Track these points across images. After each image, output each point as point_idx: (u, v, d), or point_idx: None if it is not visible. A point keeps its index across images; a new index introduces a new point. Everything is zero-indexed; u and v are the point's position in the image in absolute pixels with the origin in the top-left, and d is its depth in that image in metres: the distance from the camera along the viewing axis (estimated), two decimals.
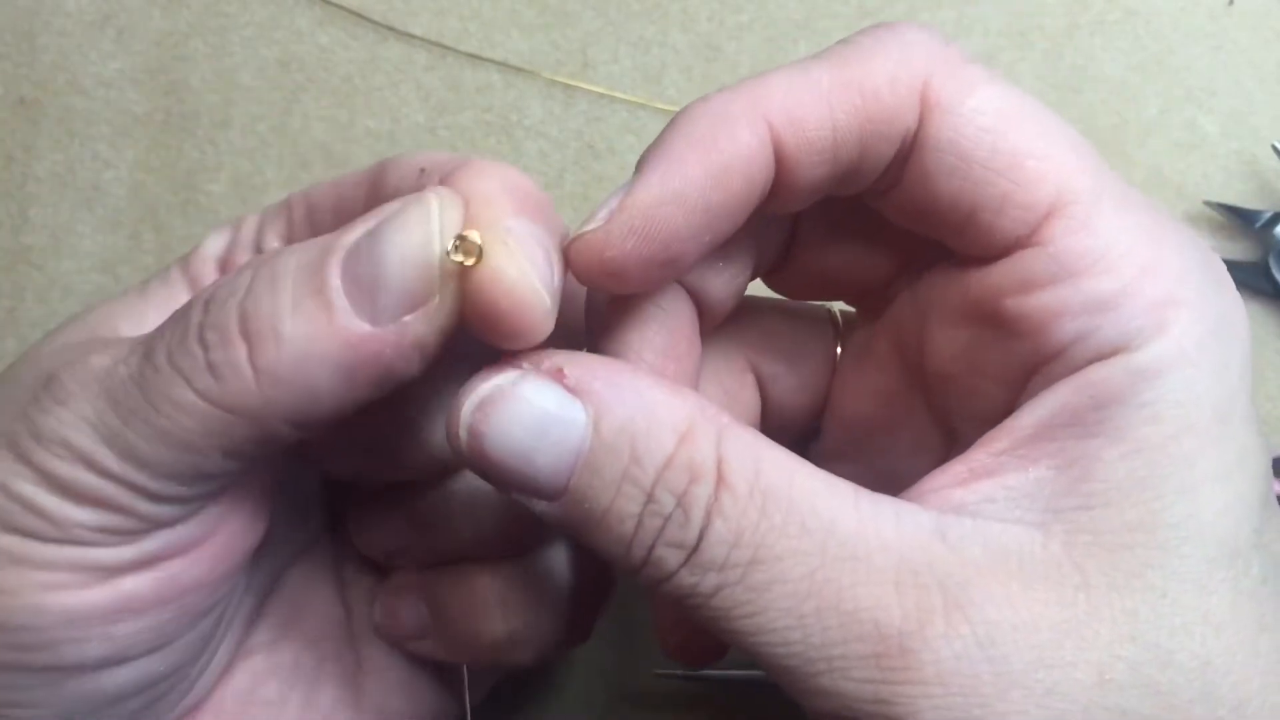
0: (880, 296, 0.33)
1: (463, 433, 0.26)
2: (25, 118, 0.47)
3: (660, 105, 0.46)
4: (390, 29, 0.47)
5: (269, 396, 0.26)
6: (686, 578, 0.26)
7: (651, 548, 0.26)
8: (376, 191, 0.31)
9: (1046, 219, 0.27)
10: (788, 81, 0.28)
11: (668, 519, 0.25)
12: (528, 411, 0.26)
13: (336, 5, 0.47)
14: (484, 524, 0.33)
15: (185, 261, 0.35)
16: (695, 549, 0.25)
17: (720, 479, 0.26)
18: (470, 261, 0.26)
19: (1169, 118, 0.46)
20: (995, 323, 0.28)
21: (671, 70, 0.47)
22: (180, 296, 0.33)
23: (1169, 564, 0.25)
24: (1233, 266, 0.44)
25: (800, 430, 0.35)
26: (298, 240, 0.32)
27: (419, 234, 0.26)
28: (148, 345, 0.27)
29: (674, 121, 0.28)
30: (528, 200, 0.28)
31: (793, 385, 0.34)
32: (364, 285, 0.26)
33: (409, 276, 0.26)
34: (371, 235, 0.26)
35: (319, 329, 0.26)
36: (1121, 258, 0.27)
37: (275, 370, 0.26)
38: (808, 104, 0.27)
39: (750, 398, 0.33)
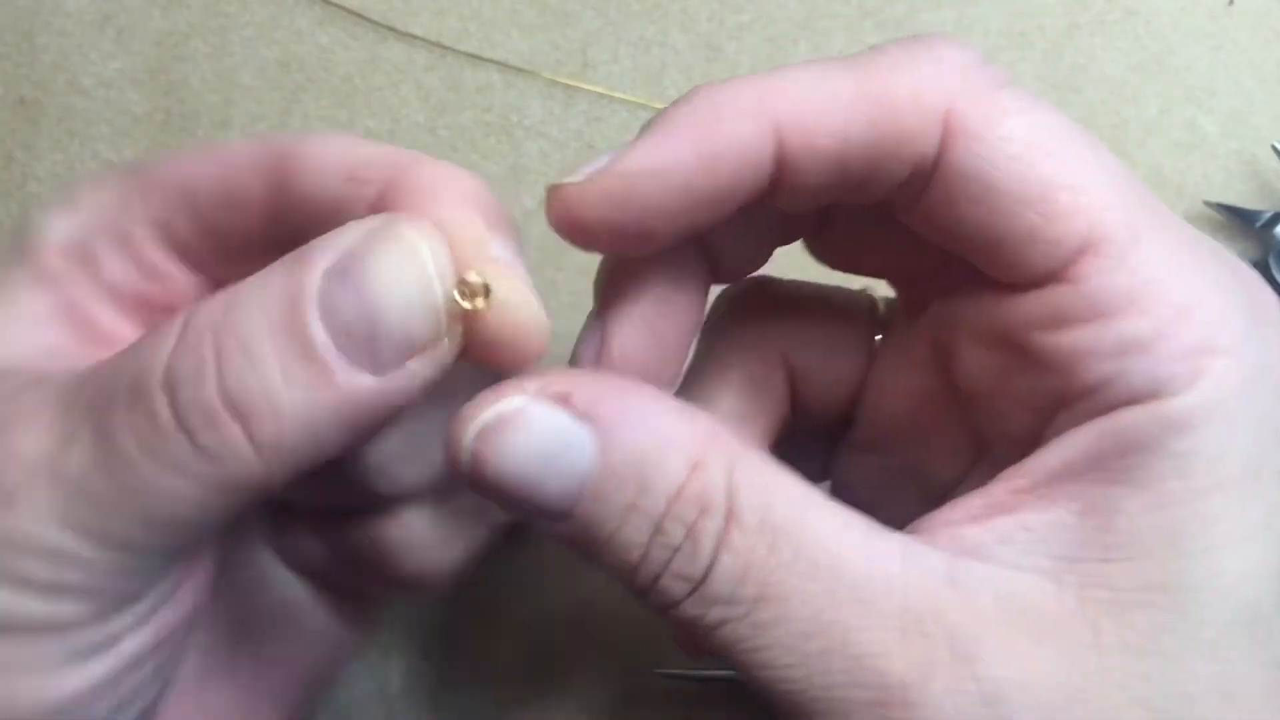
0: (924, 288, 0.31)
1: (465, 457, 0.25)
2: (25, 118, 0.47)
3: (660, 105, 0.46)
4: (390, 29, 0.47)
5: (273, 467, 0.24)
6: (691, 609, 0.25)
7: (657, 577, 0.25)
8: (287, 192, 0.29)
9: (1079, 255, 0.26)
10: (805, 82, 0.26)
11: (676, 550, 0.25)
12: (534, 439, 0.25)
13: (336, 5, 0.47)
14: (428, 550, 0.32)
15: (23, 253, 0.30)
16: (702, 582, 0.25)
17: (730, 512, 0.25)
18: (480, 304, 0.26)
19: (1169, 118, 0.46)
20: (1024, 353, 0.27)
21: (672, 70, 0.47)
22: (34, 301, 0.30)
23: (1185, 628, 0.24)
24: None
25: (832, 421, 0.34)
26: (183, 236, 0.30)
27: (414, 277, 0.25)
28: (98, 428, 0.25)
29: (681, 100, 0.27)
30: (493, 213, 0.27)
31: (826, 378, 0.33)
32: (358, 337, 0.24)
33: (412, 324, 0.25)
34: (349, 277, 0.25)
35: (319, 394, 0.24)
36: (1158, 299, 0.25)
37: (279, 443, 0.24)
38: (820, 110, 0.26)
39: (779, 388, 0.33)
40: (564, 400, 0.25)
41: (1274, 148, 0.45)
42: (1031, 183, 0.26)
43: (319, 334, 0.24)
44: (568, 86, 0.46)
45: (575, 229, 0.27)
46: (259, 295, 0.25)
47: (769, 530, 0.25)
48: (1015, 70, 0.46)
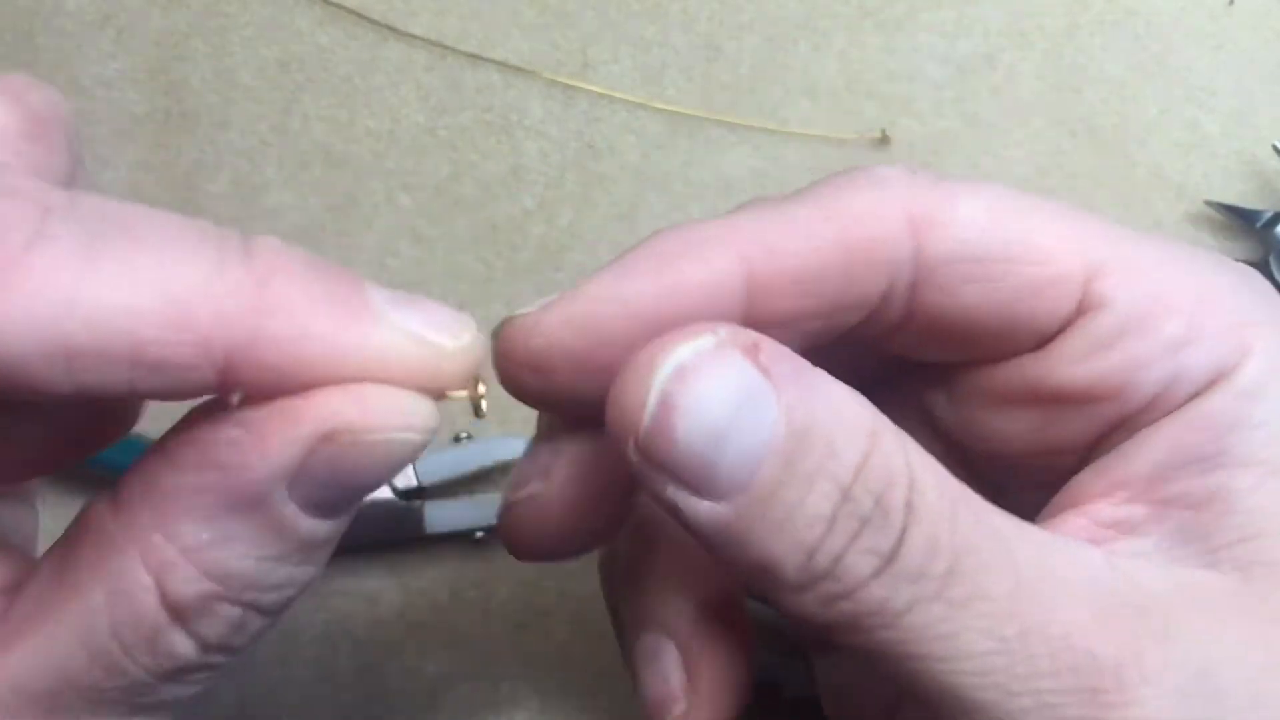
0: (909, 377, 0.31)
1: (652, 401, 0.23)
2: None
3: (660, 105, 0.46)
4: (390, 29, 0.47)
5: None
6: (878, 590, 0.23)
7: (841, 555, 0.23)
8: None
9: (1089, 284, 0.26)
10: (763, 214, 0.26)
11: (866, 521, 0.23)
12: (728, 385, 0.23)
13: (336, 5, 0.47)
14: None
15: None
16: (892, 556, 0.23)
17: (913, 482, 0.23)
18: (480, 390, 0.25)
19: (1169, 117, 0.46)
20: (1062, 397, 0.27)
21: (672, 70, 0.46)
22: None
23: None
24: None
25: None
26: None
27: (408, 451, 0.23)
28: None
29: (643, 240, 0.26)
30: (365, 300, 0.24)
31: None
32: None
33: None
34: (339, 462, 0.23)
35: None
36: (1178, 295, 0.26)
37: None
38: (784, 234, 0.26)
39: None
40: (753, 352, 0.23)
41: (1275, 147, 0.45)
42: (1013, 241, 0.26)
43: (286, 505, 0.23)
44: (568, 86, 0.46)
45: (527, 361, 0.25)
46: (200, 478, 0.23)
47: (949, 502, 0.23)
48: (1015, 70, 0.46)
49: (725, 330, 0.23)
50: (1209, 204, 0.45)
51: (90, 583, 0.22)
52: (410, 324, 0.23)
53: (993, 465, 0.29)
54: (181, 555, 0.22)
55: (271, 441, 0.22)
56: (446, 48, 0.47)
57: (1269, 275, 0.44)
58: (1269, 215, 0.44)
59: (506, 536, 0.28)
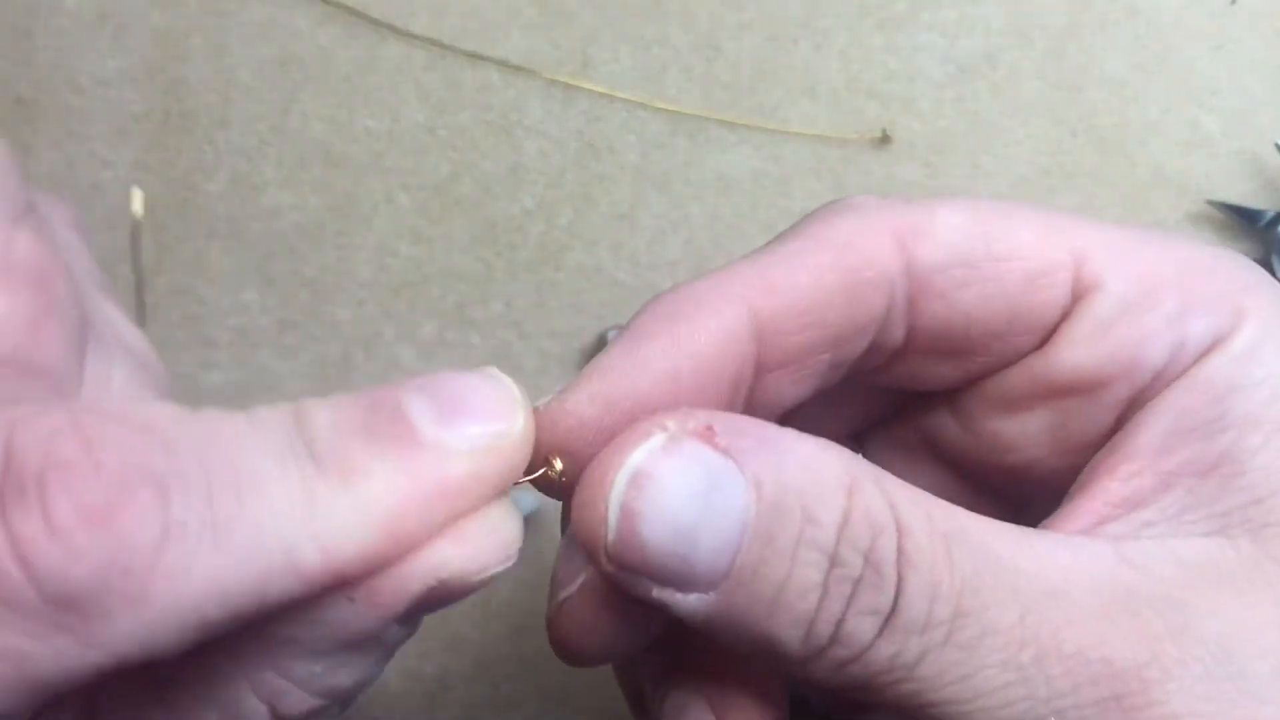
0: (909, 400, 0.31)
1: (612, 515, 0.23)
2: (23, 117, 0.47)
3: (660, 105, 0.46)
4: (389, 28, 0.47)
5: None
6: (885, 648, 0.23)
7: (841, 620, 0.23)
8: None
9: (1080, 271, 0.27)
10: (758, 258, 0.27)
11: (858, 582, 0.22)
12: (688, 481, 0.22)
13: (336, 4, 0.47)
14: None
15: None
16: (893, 611, 0.22)
17: (901, 528, 0.23)
18: (556, 465, 0.25)
19: (1171, 117, 0.46)
20: (1075, 387, 0.27)
21: (672, 69, 0.46)
22: None
23: None
24: None
25: None
26: None
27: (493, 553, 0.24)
28: None
29: (645, 305, 0.27)
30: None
31: None
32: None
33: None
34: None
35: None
36: (1167, 271, 0.27)
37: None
38: (782, 271, 0.26)
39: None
40: (707, 436, 0.23)
41: (1277, 146, 0.45)
42: (998, 239, 0.27)
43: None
44: (567, 86, 0.46)
45: (560, 446, 0.25)
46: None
47: (941, 540, 0.23)
48: (1017, 69, 0.46)
49: (673, 422, 0.23)
50: (1211, 203, 0.45)
51: (201, 709, 0.23)
52: (469, 438, 0.23)
53: (1015, 480, 0.29)
54: (294, 685, 0.23)
55: (385, 603, 0.23)
56: (446, 47, 0.47)
57: (1271, 274, 0.44)
58: (1271, 215, 0.44)
59: (554, 645, 0.28)
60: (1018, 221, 0.27)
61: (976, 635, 0.22)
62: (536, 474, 0.25)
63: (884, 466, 0.31)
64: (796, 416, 0.31)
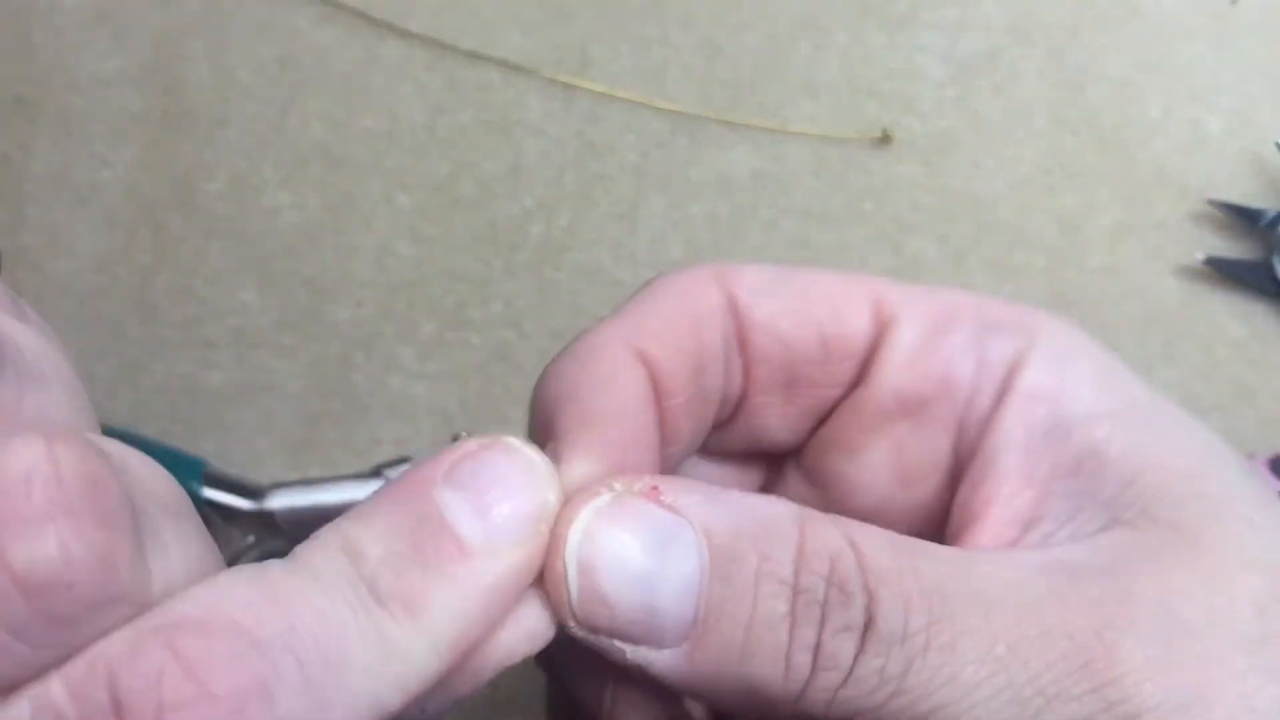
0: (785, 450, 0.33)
1: (571, 574, 0.24)
2: (22, 117, 0.47)
3: (660, 104, 0.46)
4: (389, 27, 0.47)
5: None
6: (870, 664, 0.23)
7: (817, 645, 0.23)
8: None
9: (879, 309, 0.29)
10: (616, 314, 0.29)
11: (825, 604, 0.23)
12: (639, 538, 0.23)
13: (335, 4, 0.47)
14: None
15: None
16: (869, 624, 0.23)
17: (858, 549, 0.24)
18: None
19: (1172, 116, 0.46)
20: (898, 412, 0.29)
21: (672, 69, 0.46)
22: None
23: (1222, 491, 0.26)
24: (1237, 265, 0.44)
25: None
26: None
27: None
28: None
29: (536, 388, 0.29)
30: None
31: None
32: None
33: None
34: None
35: None
36: (959, 306, 0.29)
37: None
38: (640, 315, 0.28)
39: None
40: (652, 494, 0.24)
41: (1278, 146, 0.44)
42: (799, 280, 0.29)
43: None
44: (567, 85, 0.46)
45: None
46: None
47: (903, 555, 0.24)
48: (1018, 69, 0.46)
49: (619, 483, 0.24)
50: (1212, 203, 0.45)
51: None
52: (511, 532, 0.24)
53: (870, 514, 0.30)
54: None
55: (454, 696, 0.25)
56: (446, 46, 0.46)
57: (1270, 274, 0.44)
58: (1272, 214, 0.44)
59: None
60: (814, 271, 0.30)
61: (952, 638, 0.23)
62: None
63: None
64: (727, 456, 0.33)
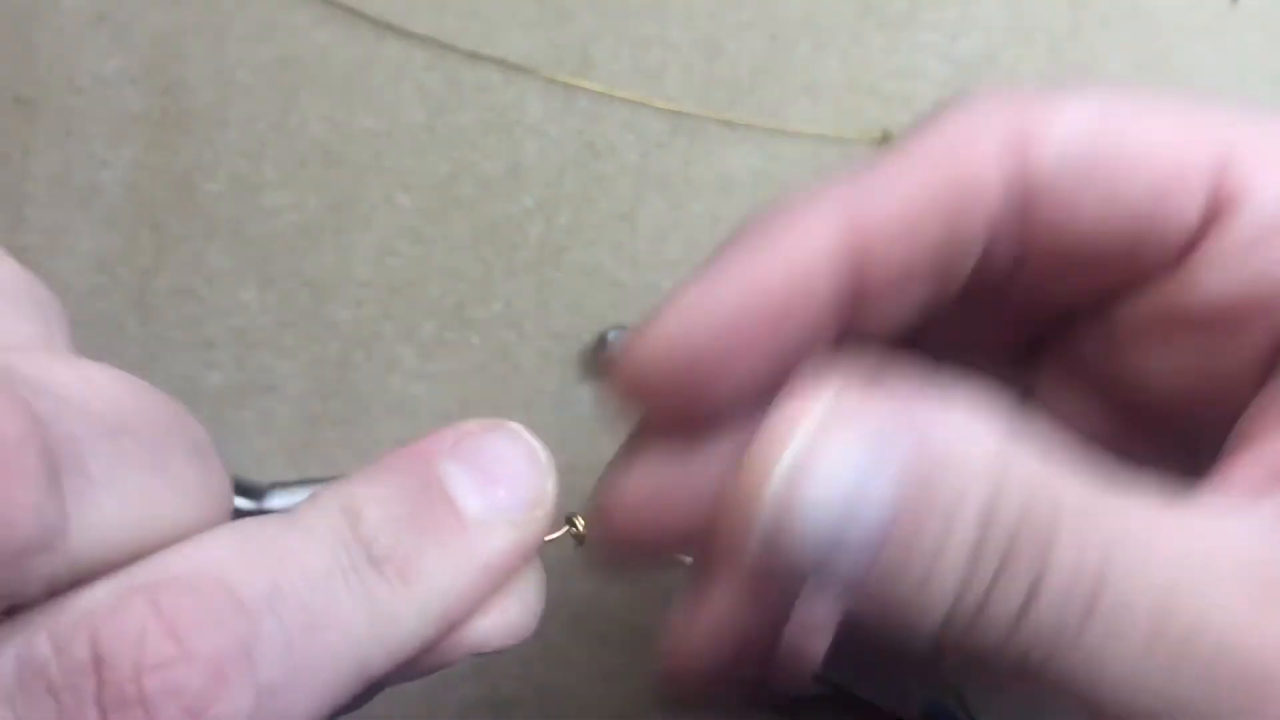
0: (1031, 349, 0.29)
1: (770, 506, 0.21)
2: (21, 117, 0.47)
3: (660, 104, 0.46)
4: (389, 27, 0.47)
5: None
6: (1029, 622, 0.21)
7: (988, 594, 0.21)
8: None
9: (1221, 181, 0.24)
10: (855, 174, 0.25)
11: (1005, 556, 0.21)
12: (848, 461, 0.21)
13: (335, 3, 0.47)
14: None
15: None
16: (1040, 581, 0.21)
17: (1048, 501, 0.22)
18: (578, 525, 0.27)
19: None
20: (1211, 320, 0.25)
21: (673, 69, 0.46)
22: None
23: None
24: None
25: None
26: None
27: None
28: None
29: (743, 225, 0.26)
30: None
31: None
32: None
33: None
34: None
35: None
36: None
37: None
38: (875, 187, 0.25)
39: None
40: (864, 404, 0.22)
41: None
42: (1126, 141, 0.24)
43: None
44: (568, 85, 0.46)
45: (660, 376, 0.25)
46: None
47: (1092, 514, 0.22)
48: (1018, 69, 0.46)
49: (832, 390, 0.22)
50: None
51: None
52: (507, 511, 0.24)
53: (1176, 417, 0.27)
54: None
55: (421, 673, 0.25)
56: (445, 46, 0.46)
57: None
58: None
59: (677, 671, 0.27)
60: (1155, 118, 0.24)
61: (1113, 613, 0.21)
62: (558, 534, 0.26)
63: (1051, 404, 0.28)
64: (935, 339, 0.29)
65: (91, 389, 0.22)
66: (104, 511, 0.21)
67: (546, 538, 0.25)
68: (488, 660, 0.43)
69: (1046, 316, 0.28)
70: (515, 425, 0.25)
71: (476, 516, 0.24)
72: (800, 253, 0.25)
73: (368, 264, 0.46)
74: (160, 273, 0.46)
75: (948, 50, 0.46)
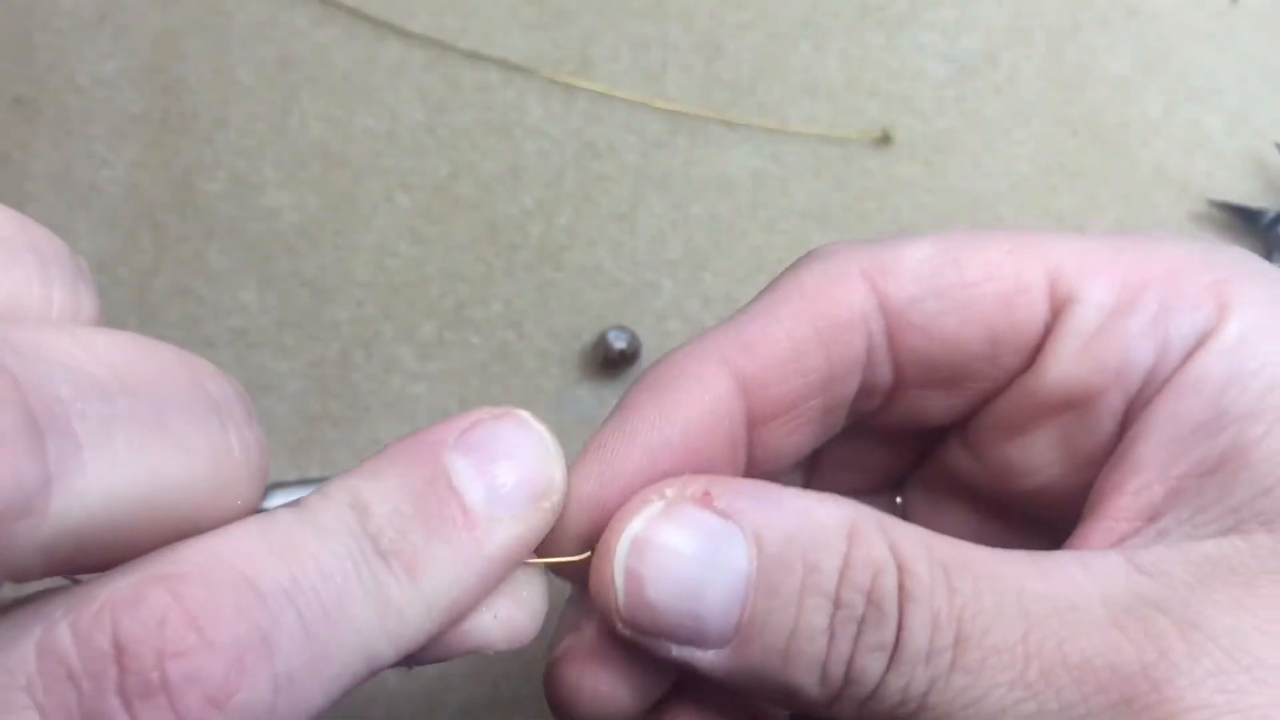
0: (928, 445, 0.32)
1: (618, 580, 0.24)
2: (22, 117, 0.47)
3: (660, 104, 0.46)
4: (389, 27, 0.47)
5: None
6: (895, 682, 0.23)
7: (850, 660, 0.23)
8: None
9: (1055, 286, 0.27)
10: (734, 320, 0.28)
11: (862, 621, 0.23)
12: (689, 543, 0.24)
13: (335, 3, 0.47)
14: None
15: None
16: (897, 645, 0.23)
17: (901, 566, 0.24)
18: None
19: (1173, 116, 0.46)
20: (1068, 402, 0.27)
21: (672, 69, 0.46)
22: None
23: None
24: None
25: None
26: None
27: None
28: None
29: (638, 378, 0.28)
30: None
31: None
32: None
33: None
34: None
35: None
36: (1146, 274, 0.26)
37: None
38: (755, 327, 0.27)
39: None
40: (705, 500, 0.24)
41: (1278, 146, 0.44)
42: (967, 265, 0.27)
43: None
44: (567, 85, 0.46)
45: (570, 529, 0.26)
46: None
47: (940, 571, 0.24)
48: (1018, 69, 0.46)
49: (671, 489, 0.25)
50: (1212, 203, 0.45)
51: None
52: (514, 504, 0.25)
53: (1038, 506, 0.29)
54: None
55: (421, 665, 0.25)
56: (445, 46, 0.46)
57: None
58: (1272, 214, 0.44)
59: (552, 699, 0.28)
60: (987, 245, 0.27)
61: (980, 658, 0.23)
62: (581, 557, 0.26)
63: (919, 512, 0.32)
64: (826, 470, 0.32)
65: (86, 353, 0.21)
66: (94, 474, 0.20)
67: (566, 559, 0.26)
68: (489, 661, 0.43)
69: (921, 435, 0.31)
70: (524, 413, 0.26)
71: (482, 510, 0.24)
72: (694, 400, 0.26)
73: (367, 264, 0.46)
74: (160, 273, 0.46)
75: (948, 50, 0.46)
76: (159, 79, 0.47)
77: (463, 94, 0.46)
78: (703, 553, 0.24)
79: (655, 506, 0.24)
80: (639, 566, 0.24)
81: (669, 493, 0.25)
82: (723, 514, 0.24)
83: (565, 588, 0.29)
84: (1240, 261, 0.27)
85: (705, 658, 0.24)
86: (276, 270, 0.46)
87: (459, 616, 0.24)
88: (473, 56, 0.46)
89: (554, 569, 0.27)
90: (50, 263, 0.25)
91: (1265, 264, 0.28)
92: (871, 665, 0.23)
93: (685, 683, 0.28)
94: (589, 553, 0.26)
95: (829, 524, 0.24)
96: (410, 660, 0.24)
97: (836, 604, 0.23)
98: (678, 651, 0.24)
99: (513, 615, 0.25)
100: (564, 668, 0.27)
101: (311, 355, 0.46)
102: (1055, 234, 0.28)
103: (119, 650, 0.20)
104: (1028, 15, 0.46)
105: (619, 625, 0.24)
